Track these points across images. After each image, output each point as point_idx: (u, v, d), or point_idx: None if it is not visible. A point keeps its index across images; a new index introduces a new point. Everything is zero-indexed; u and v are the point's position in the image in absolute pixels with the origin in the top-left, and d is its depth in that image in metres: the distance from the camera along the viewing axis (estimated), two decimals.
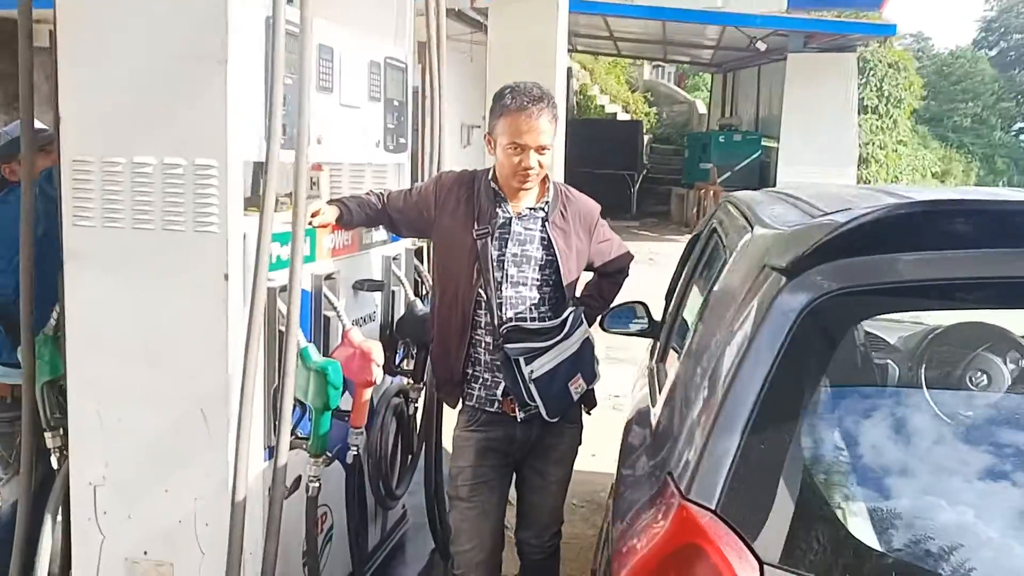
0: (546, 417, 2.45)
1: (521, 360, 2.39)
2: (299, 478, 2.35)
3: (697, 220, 13.56)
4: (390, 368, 3.04)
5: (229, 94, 2.01)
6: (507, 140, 2.41)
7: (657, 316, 3.06)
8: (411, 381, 3.08)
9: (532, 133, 2.39)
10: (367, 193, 2.70)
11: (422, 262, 3.24)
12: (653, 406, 1.94)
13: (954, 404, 1.68)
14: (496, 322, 2.45)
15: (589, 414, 2.69)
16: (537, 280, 2.50)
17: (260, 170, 2.12)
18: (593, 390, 2.62)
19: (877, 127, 18.37)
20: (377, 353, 2.41)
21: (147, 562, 2.25)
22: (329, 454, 2.40)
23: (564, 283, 2.51)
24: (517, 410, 2.50)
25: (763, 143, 16.56)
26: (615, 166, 18.00)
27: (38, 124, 2.75)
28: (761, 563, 1.16)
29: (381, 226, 2.78)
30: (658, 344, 2.71)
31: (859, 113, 15.43)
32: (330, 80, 2.50)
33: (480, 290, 2.48)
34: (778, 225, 1.55)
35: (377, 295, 2.94)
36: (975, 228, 1.28)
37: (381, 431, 2.94)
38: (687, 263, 2.91)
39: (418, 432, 3.27)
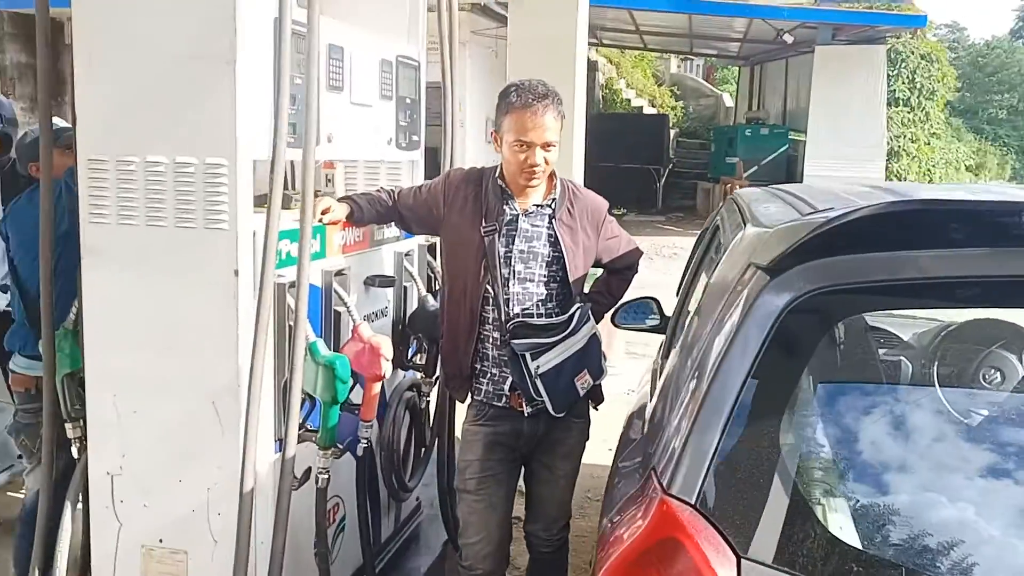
0: (552, 412, 2.48)
1: (527, 355, 2.42)
2: (309, 470, 2.40)
3: None
4: (402, 363, 3.09)
5: (238, 94, 2.06)
6: (513, 137, 2.43)
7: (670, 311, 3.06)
8: (423, 375, 3.12)
9: (537, 130, 2.41)
10: (378, 190, 2.74)
11: (435, 258, 3.28)
12: (650, 401, 1.96)
13: (964, 401, 1.68)
14: (503, 318, 2.48)
15: (596, 409, 2.72)
16: (544, 276, 2.52)
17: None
18: (600, 386, 2.64)
19: (909, 120, 18.06)
20: (386, 348, 2.45)
21: (162, 550, 2.32)
22: (340, 446, 2.44)
23: (571, 279, 2.54)
24: (524, 405, 2.52)
25: (791, 137, 16.40)
26: (641, 160, 17.93)
27: (64, 123, 2.83)
28: (739, 557, 1.18)
29: (392, 223, 2.82)
30: (664, 339, 2.72)
31: (890, 106, 15.19)
32: (340, 79, 2.54)
33: (487, 286, 2.51)
34: (768, 223, 1.57)
35: (389, 291, 2.98)
36: (955, 228, 1.28)
37: (393, 424, 2.99)
38: (694, 259, 2.92)
39: (431, 425, 3.31)
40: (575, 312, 2.50)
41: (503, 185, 2.54)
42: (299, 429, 2.29)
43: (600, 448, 2.71)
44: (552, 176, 2.58)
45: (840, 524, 1.23)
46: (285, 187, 2.77)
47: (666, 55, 24.51)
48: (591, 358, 2.54)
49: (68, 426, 2.45)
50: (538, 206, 2.54)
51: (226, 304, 2.15)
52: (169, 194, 2.14)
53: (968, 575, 1.22)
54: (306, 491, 2.40)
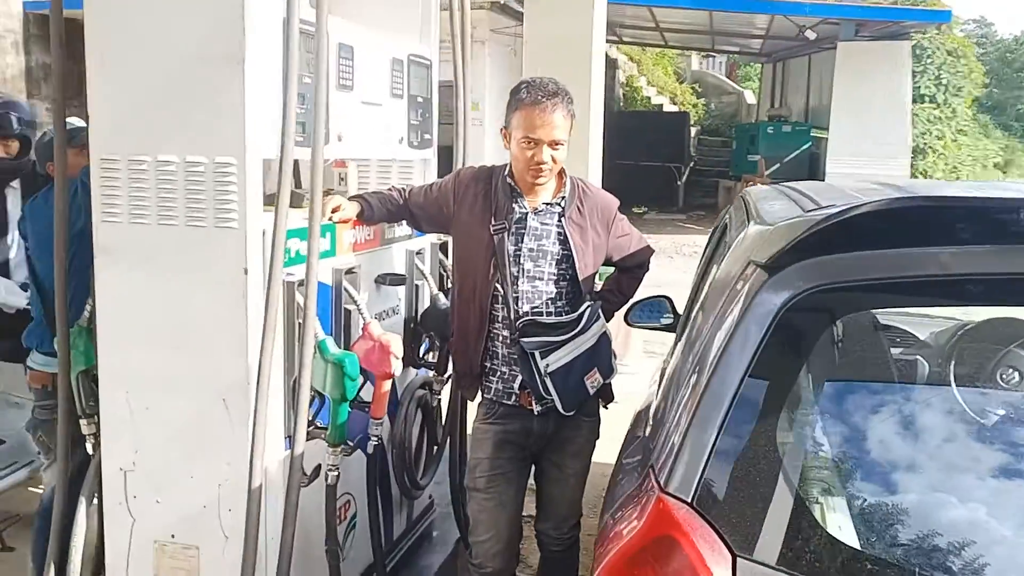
0: (562, 411, 2.48)
1: (537, 354, 2.42)
2: (319, 467, 2.42)
3: None
4: (414, 360, 3.10)
5: (247, 93, 2.07)
6: (521, 134, 2.44)
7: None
8: (435, 373, 3.13)
9: (546, 128, 2.41)
10: (389, 189, 2.75)
11: (447, 256, 3.29)
12: (655, 399, 1.95)
13: (979, 401, 1.66)
14: (513, 316, 2.48)
15: (607, 408, 2.71)
16: (553, 275, 2.52)
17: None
18: (610, 384, 2.64)
19: (935, 117, 17.85)
20: (396, 346, 2.45)
21: (174, 545, 2.34)
22: (351, 443, 2.45)
23: (580, 278, 2.53)
24: (534, 403, 2.53)
25: (813, 134, 16.25)
26: (661, 158, 17.88)
27: (83, 123, 2.87)
28: (735, 556, 1.17)
29: (404, 222, 2.83)
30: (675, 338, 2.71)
31: (915, 102, 15.02)
32: (350, 78, 2.55)
33: (497, 284, 2.51)
34: (770, 220, 1.55)
35: (401, 289, 2.99)
36: (955, 224, 1.26)
37: (405, 422, 3.00)
38: (704, 257, 2.91)
39: (443, 423, 3.32)
40: (585, 310, 2.49)
41: (512, 183, 2.54)
42: (308, 426, 2.31)
43: (611, 447, 2.69)
44: (562, 174, 2.57)
45: (839, 523, 1.22)
46: (298, 186, 2.80)
47: (687, 52, 24.39)
48: (601, 357, 2.53)
49: (83, 423, 2.48)
50: (548, 204, 2.54)
51: (235, 302, 2.16)
52: (180, 193, 2.16)
53: None
54: (317, 488, 2.42)
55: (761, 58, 21.24)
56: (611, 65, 19.28)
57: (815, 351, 1.34)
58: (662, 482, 1.28)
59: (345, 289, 2.53)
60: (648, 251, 2.79)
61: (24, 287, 3.21)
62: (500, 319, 2.54)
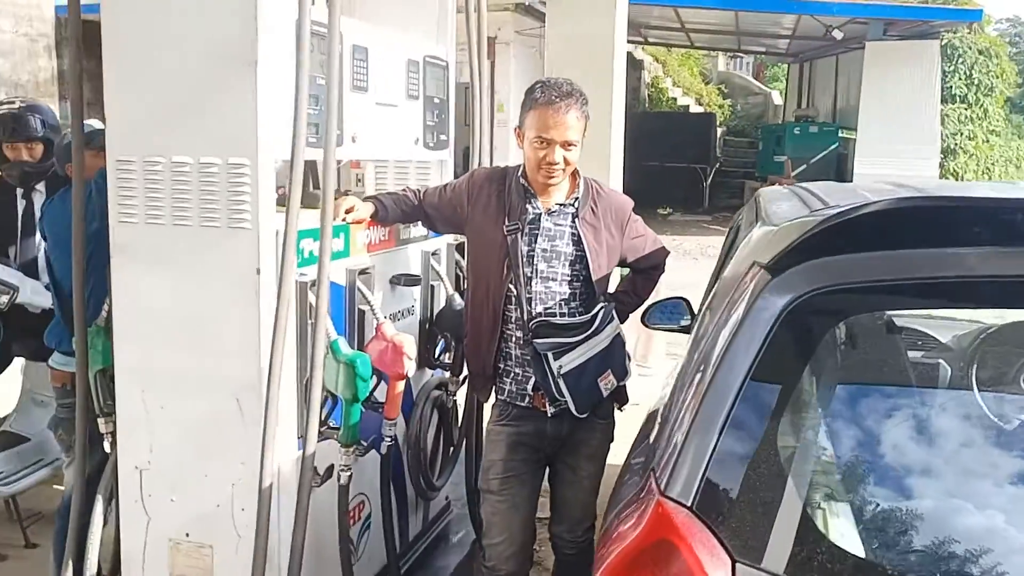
0: (575, 412, 2.46)
1: (550, 355, 2.40)
2: (331, 467, 2.42)
3: None
4: (430, 361, 3.10)
5: (259, 95, 2.09)
6: (534, 134, 2.43)
7: None
8: (451, 374, 3.13)
9: (558, 128, 2.40)
10: (404, 190, 2.75)
11: (463, 257, 3.28)
12: (664, 400, 1.94)
13: (1000, 406, 1.62)
14: (526, 317, 2.47)
15: (621, 410, 2.69)
16: (567, 276, 2.51)
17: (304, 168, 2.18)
18: (625, 386, 2.62)
19: (966, 117, 17.56)
20: (409, 346, 2.45)
21: (189, 544, 2.36)
22: (364, 443, 2.46)
23: (594, 279, 2.51)
24: (547, 405, 2.51)
25: (841, 135, 16.06)
26: (687, 159, 17.77)
27: (99, 125, 2.91)
28: (735, 561, 1.15)
29: (419, 222, 2.83)
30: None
31: (946, 102, 14.78)
32: (364, 79, 2.56)
33: (510, 285, 2.50)
34: (776, 220, 1.53)
35: (416, 289, 2.99)
36: (961, 225, 1.23)
37: (420, 423, 3.00)
38: (719, 258, 2.88)
39: (459, 424, 3.32)
40: (598, 312, 2.47)
41: (526, 184, 2.53)
42: (321, 426, 2.31)
43: (627, 450, 2.68)
44: (575, 175, 2.56)
45: (841, 530, 1.20)
46: (315, 187, 2.81)
47: (713, 53, 24.24)
48: (615, 358, 2.52)
49: (100, 421, 2.50)
50: (561, 205, 2.53)
51: (248, 302, 2.18)
52: (194, 194, 2.18)
53: None
54: (331, 488, 2.43)
55: (788, 58, 21.04)
56: (637, 66, 19.21)
57: (819, 353, 1.32)
58: (662, 486, 1.26)
59: (359, 289, 2.54)
60: (663, 252, 2.76)
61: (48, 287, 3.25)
62: (513, 320, 2.53)
